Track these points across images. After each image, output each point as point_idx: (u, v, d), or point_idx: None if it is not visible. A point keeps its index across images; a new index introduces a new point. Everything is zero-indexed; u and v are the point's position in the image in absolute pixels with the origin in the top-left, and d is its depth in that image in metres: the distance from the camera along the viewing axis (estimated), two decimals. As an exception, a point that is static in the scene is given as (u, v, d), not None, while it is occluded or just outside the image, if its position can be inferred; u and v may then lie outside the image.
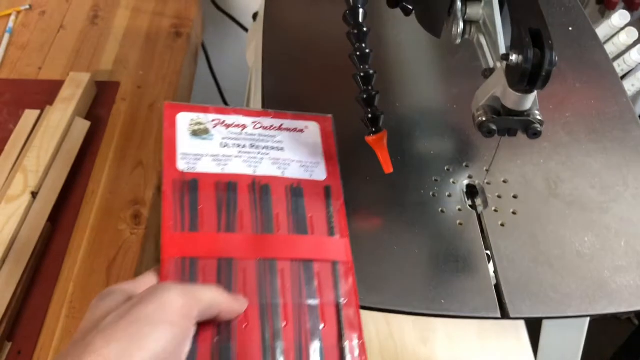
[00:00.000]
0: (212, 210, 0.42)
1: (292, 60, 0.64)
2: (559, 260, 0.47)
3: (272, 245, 0.41)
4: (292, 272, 0.40)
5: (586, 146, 0.55)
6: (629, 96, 0.67)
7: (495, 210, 0.50)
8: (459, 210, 0.50)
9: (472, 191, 0.52)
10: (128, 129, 0.87)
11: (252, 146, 0.47)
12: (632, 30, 0.68)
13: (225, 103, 1.25)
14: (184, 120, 0.48)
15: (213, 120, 0.48)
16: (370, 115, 0.46)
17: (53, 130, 0.82)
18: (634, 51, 0.66)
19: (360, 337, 0.39)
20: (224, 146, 0.47)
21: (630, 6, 1.14)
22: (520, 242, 0.48)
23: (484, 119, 0.43)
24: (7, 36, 0.97)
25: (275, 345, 0.37)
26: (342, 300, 0.40)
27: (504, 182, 0.53)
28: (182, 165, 0.45)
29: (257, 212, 0.43)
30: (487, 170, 0.53)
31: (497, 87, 0.43)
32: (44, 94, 0.89)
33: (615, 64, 0.68)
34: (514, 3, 0.42)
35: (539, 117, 0.43)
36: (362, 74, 0.45)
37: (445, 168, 0.53)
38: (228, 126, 0.48)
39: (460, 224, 0.49)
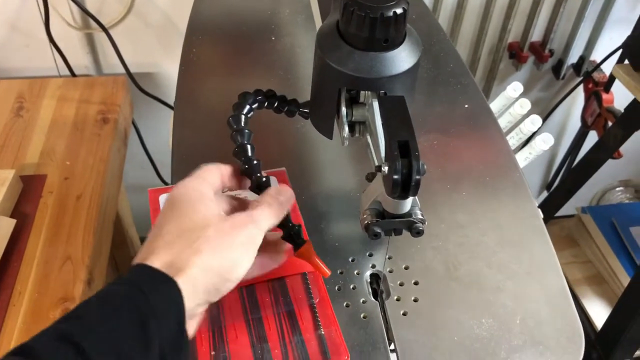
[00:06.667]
0: None
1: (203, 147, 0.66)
2: (459, 345, 0.49)
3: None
4: (269, 290, 0.50)
5: (483, 225, 0.58)
6: (525, 165, 0.71)
7: (398, 299, 0.52)
8: (363, 302, 0.52)
9: (376, 280, 0.54)
10: (55, 223, 0.86)
11: None
12: (525, 102, 0.72)
13: (161, 179, 1.25)
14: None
15: None
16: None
17: (-24, 233, 0.81)
18: (527, 121, 0.71)
19: (336, 327, 0.48)
20: None
21: (540, 59, 1.22)
22: (422, 330, 0.50)
23: (368, 222, 0.46)
24: None
25: (262, 346, 0.46)
26: (315, 301, 0.49)
27: (406, 268, 0.55)
28: None
29: None
30: (388, 258, 0.55)
31: (378, 193, 0.45)
32: (-33, 193, 0.88)
33: (513, 133, 0.73)
34: (386, 115, 0.45)
35: (420, 217, 0.46)
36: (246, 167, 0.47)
37: (350, 259, 0.55)
38: None
39: (365, 317, 0.51)
